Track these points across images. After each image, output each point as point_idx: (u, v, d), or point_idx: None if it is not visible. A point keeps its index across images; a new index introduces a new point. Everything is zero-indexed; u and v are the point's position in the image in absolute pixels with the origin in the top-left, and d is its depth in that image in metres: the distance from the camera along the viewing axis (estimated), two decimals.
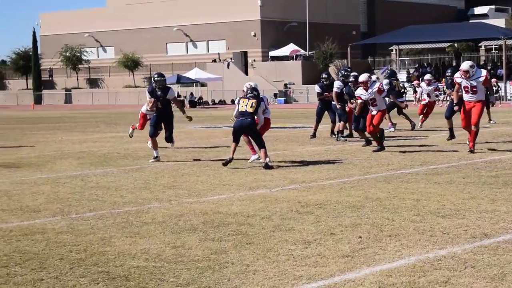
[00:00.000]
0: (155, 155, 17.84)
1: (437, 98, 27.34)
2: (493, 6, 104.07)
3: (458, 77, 17.90)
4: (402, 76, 70.92)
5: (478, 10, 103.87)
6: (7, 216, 10.82)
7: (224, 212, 10.80)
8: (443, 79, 30.59)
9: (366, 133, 19.47)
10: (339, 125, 22.59)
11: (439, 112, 21.31)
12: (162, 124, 18.20)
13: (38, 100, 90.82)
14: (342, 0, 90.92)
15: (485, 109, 20.56)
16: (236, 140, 16.58)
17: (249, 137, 16.73)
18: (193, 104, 70.36)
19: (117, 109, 63.19)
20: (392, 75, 27.02)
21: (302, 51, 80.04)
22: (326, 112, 23.63)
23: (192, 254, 8.26)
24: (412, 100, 55.40)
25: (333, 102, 22.70)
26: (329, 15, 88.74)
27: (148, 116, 19.86)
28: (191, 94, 73.50)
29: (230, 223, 9.95)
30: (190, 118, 18.81)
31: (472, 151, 17.83)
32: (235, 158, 16.52)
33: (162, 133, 18.40)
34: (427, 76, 27.54)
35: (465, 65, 17.78)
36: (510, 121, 31.25)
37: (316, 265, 7.67)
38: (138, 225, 9.94)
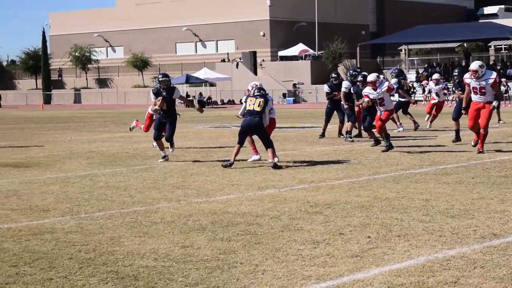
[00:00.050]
0: (163, 154, 17.84)
1: (445, 98, 27.23)
2: (502, 6, 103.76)
3: (467, 78, 17.85)
4: (411, 76, 70.82)
5: (488, 10, 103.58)
6: (17, 216, 10.84)
7: (233, 212, 10.81)
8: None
9: (375, 132, 19.41)
10: (347, 125, 22.58)
11: (448, 112, 21.25)
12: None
13: (47, 100, 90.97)
14: (351, 0, 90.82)
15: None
16: (241, 142, 16.53)
17: (257, 136, 16.67)
18: (202, 104, 70.36)
19: (126, 109, 63.26)
20: (400, 74, 26.99)
21: (311, 51, 79.95)
22: (335, 112, 23.61)
23: (201, 254, 8.26)
24: (422, 100, 55.35)
25: (342, 102, 22.69)
26: (338, 15, 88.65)
27: (154, 117, 19.82)
28: (200, 94, 73.53)
29: (239, 223, 9.95)
30: (201, 110, 18.81)
31: (481, 152, 17.78)
32: (238, 159, 16.48)
33: None
34: (435, 76, 27.49)
35: (475, 65, 17.73)
36: None
37: (325, 265, 7.67)
38: (147, 225, 9.95)
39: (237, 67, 79.27)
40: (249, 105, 16.52)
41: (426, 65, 74.96)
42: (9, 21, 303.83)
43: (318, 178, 14.27)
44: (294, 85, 75.92)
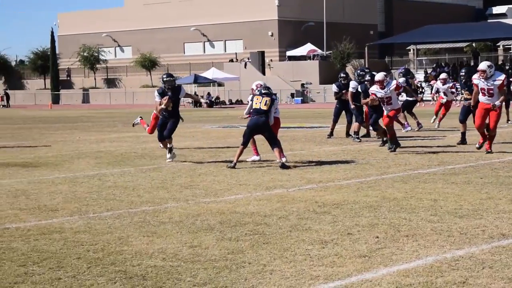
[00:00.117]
0: (169, 146, 17.79)
1: (453, 97, 27.19)
2: (511, 6, 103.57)
3: (475, 78, 17.81)
4: (419, 76, 70.72)
5: (497, 9, 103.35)
6: (25, 215, 10.86)
7: (241, 211, 10.81)
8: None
9: (383, 126, 19.35)
10: (354, 125, 22.58)
11: (456, 112, 21.20)
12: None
13: (56, 99, 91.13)
14: (359, 0, 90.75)
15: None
16: (245, 143, 16.49)
17: (262, 136, 16.64)
18: (210, 104, 70.41)
19: (134, 109, 63.32)
20: (407, 73, 26.97)
21: (319, 51, 79.92)
22: (343, 113, 23.61)
23: (209, 253, 8.26)
24: (430, 100, 55.26)
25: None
26: (346, 15, 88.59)
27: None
28: (208, 94, 73.56)
29: (247, 222, 9.95)
30: (206, 103, 18.81)
31: (490, 152, 17.76)
32: (241, 160, 16.47)
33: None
34: (442, 75, 27.44)
35: (483, 65, 17.69)
36: None
37: (333, 265, 7.66)
38: (155, 225, 9.96)
39: (245, 67, 79.28)
40: (256, 103, 16.50)
41: (434, 65, 74.85)
42: (17, 21, 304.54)
43: (326, 178, 14.26)
44: (302, 85, 75.90)
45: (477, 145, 18.37)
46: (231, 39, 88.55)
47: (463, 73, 21.35)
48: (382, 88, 18.51)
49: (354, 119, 22.72)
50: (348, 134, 23.48)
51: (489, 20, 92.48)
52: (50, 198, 12.44)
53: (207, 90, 75.10)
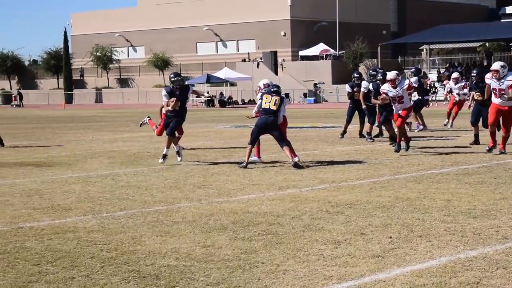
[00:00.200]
0: (176, 149, 17.73)
1: (466, 97, 27.10)
2: None
3: (488, 78, 17.76)
4: (432, 75, 70.58)
5: (510, 9, 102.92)
6: (39, 215, 10.89)
7: (254, 211, 10.81)
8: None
9: (394, 126, 19.22)
10: (367, 126, 22.55)
11: (469, 112, 21.11)
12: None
13: (69, 99, 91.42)
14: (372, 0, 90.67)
15: None
16: (253, 142, 16.50)
17: (271, 135, 16.60)
18: (222, 103, 70.47)
19: (147, 109, 63.40)
20: (418, 73, 26.90)
21: (332, 51, 79.87)
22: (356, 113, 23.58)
23: (222, 253, 8.27)
24: (443, 100, 55.13)
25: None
26: (359, 15, 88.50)
27: None
28: (221, 93, 73.63)
29: (260, 222, 9.95)
30: (210, 97, 18.67)
31: (503, 152, 17.70)
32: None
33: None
34: (454, 75, 27.36)
35: (496, 65, 17.63)
36: None
37: (346, 265, 7.65)
38: (168, 224, 9.97)
39: (257, 66, 79.31)
40: (265, 103, 16.49)
41: (447, 65, 74.68)
42: (31, 21, 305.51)
43: (339, 178, 14.25)
44: (315, 85, 75.85)
45: (487, 148, 18.30)
46: (244, 39, 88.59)
47: (475, 74, 21.23)
48: (394, 87, 18.37)
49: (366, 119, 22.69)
50: (361, 134, 23.45)
51: (502, 20, 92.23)
52: (63, 198, 12.47)
53: (219, 90, 75.16)
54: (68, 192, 13.08)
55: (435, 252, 8.15)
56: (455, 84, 26.58)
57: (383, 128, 21.95)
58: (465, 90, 26.19)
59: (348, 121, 23.69)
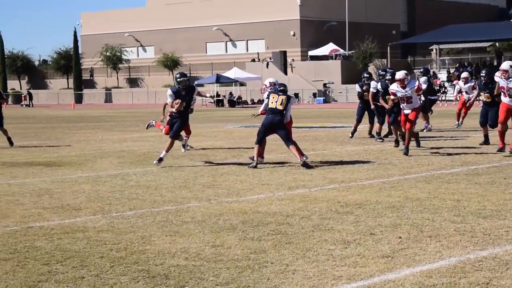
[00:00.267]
0: (182, 143, 17.66)
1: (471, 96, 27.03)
2: None
3: (497, 76, 17.74)
4: (442, 75, 70.48)
5: None
6: (49, 214, 10.92)
7: (264, 211, 10.81)
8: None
9: (402, 129, 19.13)
10: (376, 126, 22.54)
11: (479, 112, 21.05)
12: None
13: (78, 99, 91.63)
14: None
15: None
16: (260, 142, 16.48)
17: (278, 134, 16.55)
18: (232, 103, 70.50)
19: (156, 109, 63.43)
20: (426, 72, 26.85)
21: (341, 51, 79.84)
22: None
23: (231, 253, 8.27)
24: (452, 100, 55.04)
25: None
26: (368, 15, 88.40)
27: None
28: (230, 93, 73.67)
29: (270, 222, 9.95)
30: (212, 97, 18.53)
31: None
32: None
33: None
34: (464, 74, 27.30)
35: (505, 64, 17.59)
36: None
37: (356, 265, 7.65)
38: (177, 224, 9.98)
39: (267, 66, 79.34)
40: (272, 102, 16.47)
41: (457, 64, 74.55)
42: (41, 21, 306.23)
43: (349, 178, 14.24)
44: (325, 84, 75.83)
45: (497, 148, 18.25)
46: (253, 39, 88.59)
47: (484, 74, 21.16)
48: (403, 87, 18.16)
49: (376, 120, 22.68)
50: (370, 134, 23.43)
51: None
52: (73, 197, 12.50)
53: (229, 90, 75.22)
54: (78, 192, 13.10)
55: (444, 252, 8.14)
56: (464, 84, 26.53)
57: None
58: (474, 92, 26.12)
59: (358, 120, 23.66)
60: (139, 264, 7.86)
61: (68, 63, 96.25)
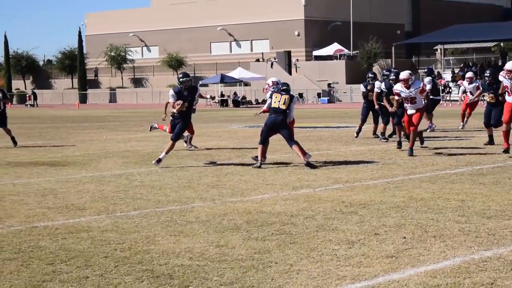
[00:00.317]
0: (183, 139, 17.57)
1: (480, 97, 26.99)
2: None
3: (502, 76, 17.71)
4: (447, 75, 70.40)
5: None
6: (53, 214, 10.93)
7: (268, 211, 10.81)
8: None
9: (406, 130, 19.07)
10: (380, 126, 22.53)
11: (483, 112, 21.01)
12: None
13: (83, 99, 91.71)
14: None
15: None
16: (263, 142, 16.47)
17: (280, 134, 16.53)
18: (236, 103, 70.51)
19: (161, 108, 63.49)
20: (431, 73, 26.78)
21: (346, 51, 79.79)
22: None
23: (235, 253, 8.27)
24: (457, 100, 54.98)
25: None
26: (373, 14, 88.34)
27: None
28: (235, 93, 73.68)
29: (274, 222, 9.95)
30: (212, 97, 18.39)
31: None
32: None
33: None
34: (469, 74, 27.24)
35: (510, 64, 17.54)
36: None
37: (360, 265, 7.64)
38: (182, 224, 9.98)
39: (271, 66, 79.33)
40: (274, 102, 16.46)
41: (462, 65, 74.46)
42: (45, 21, 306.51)
43: (353, 178, 14.23)
44: (329, 84, 75.80)
45: (502, 149, 18.21)
46: (258, 39, 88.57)
47: (488, 74, 21.09)
48: (407, 87, 18.07)
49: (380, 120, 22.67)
50: (374, 134, 23.43)
51: None
52: (77, 197, 12.51)
53: (233, 90, 75.23)
54: (82, 192, 13.11)
55: (449, 252, 8.13)
56: (469, 84, 26.47)
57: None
58: (478, 92, 26.06)
59: (363, 120, 23.65)
60: (143, 264, 7.87)
61: (73, 63, 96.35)
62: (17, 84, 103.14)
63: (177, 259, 8.06)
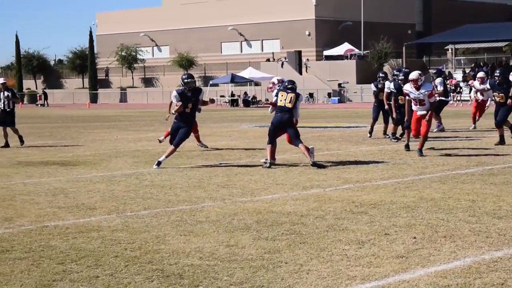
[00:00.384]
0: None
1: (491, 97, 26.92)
2: None
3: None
4: (458, 75, 70.24)
5: None
6: (64, 214, 10.95)
7: (278, 211, 10.80)
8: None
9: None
10: (391, 126, 22.50)
11: (493, 112, 20.97)
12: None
13: (93, 99, 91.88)
14: None
15: None
16: (272, 141, 16.42)
17: (287, 132, 16.51)
18: (246, 103, 70.51)
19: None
20: (440, 74, 26.72)
21: (356, 51, 79.72)
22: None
23: (245, 253, 8.27)
24: (468, 100, 54.88)
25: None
26: (384, 14, 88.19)
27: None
28: (245, 93, 73.70)
29: (284, 222, 9.94)
30: (212, 101, 18.16)
31: None
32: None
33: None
34: (480, 74, 27.16)
35: None
36: None
37: (370, 266, 7.63)
38: (192, 224, 9.99)
39: (282, 66, 79.33)
40: (280, 100, 16.43)
41: (473, 64, 74.29)
42: (56, 21, 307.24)
43: (363, 178, 14.21)
44: (339, 84, 75.73)
45: None
46: (268, 39, 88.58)
47: (498, 74, 21.03)
48: (417, 88, 17.86)
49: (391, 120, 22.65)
50: (385, 134, 23.40)
51: None
52: (88, 197, 12.53)
53: (244, 90, 75.25)
54: (93, 191, 13.13)
55: (459, 252, 8.11)
56: (480, 84, 26.39)
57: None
58: (489, 93, 25.99)
59: (375, 119, 23.60)
60: (153, 264, 7.87)
61: (84, 62, 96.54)
62: (28, 83, 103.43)
63: (187, 258, 8.07)
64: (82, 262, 7.99)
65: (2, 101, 23.09)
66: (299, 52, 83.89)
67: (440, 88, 24.95)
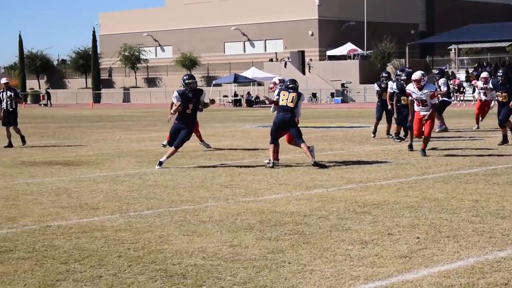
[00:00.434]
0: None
1: (494, 97, 26.89)
2: None
3: None
4: (461, 75, 70.19)
5: None
6: (67, 213, 10.96)
7: (281, 211, 10.80)
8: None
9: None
10: (394, 126, 22.49)
11: (496, 112, 20.96)
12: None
13: (97, 98, 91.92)
14: None
15: None
16: (274, 141, 16.41)
17: (289, 132, 16.50)
18: (250, 103, 70.53)
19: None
20: (442, 74, 26.68)
21: (359, 51, 79.67)
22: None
23: (249, 253, 8.27)
24: (471, 100, 54.83)
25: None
26: (387, 14, 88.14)
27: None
28: (248, 93, 73.72)
29: (287, 222, 9.94)
30: (212, 101, 18.06)
31: None
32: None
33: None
34: (483, 74, 27.13)
35: None
36: None
37: (374, 266, 7.63)
38: (195, 224, 9.99)
39: (285, 66, 79.32)
40: (282, 100, 16.42)
41: (476, 64, 74.22)
42: (60, 21, 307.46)
43: (367, 178, 14.21)
44: (343, 84, 75.70)
45: None
46: (271, 39, 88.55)
47: (501, 74, 20.99)
48: (419, 88, 17.80)
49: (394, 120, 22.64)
50: (388, 134, 23.39)
51: None
52: (91, 197, 12.53)
53: (247, 90, 75.26)
54: (96, 191, 13.14)
55: (462, 252, 8.11)
56: (483, 84, 26.35)
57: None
58: (493, 93, 25.95)
59: (378, 119, 23.60)
60: (156, 264, 7.88)
61: (87, 62, 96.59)
62: (31, 83, 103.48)
63: (190, 258, 8.07)
64: (85, 262, 7.99)
65: (5, 101, 23.13)
66: (302, 52, 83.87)
67: (443, 89, 24.95)
